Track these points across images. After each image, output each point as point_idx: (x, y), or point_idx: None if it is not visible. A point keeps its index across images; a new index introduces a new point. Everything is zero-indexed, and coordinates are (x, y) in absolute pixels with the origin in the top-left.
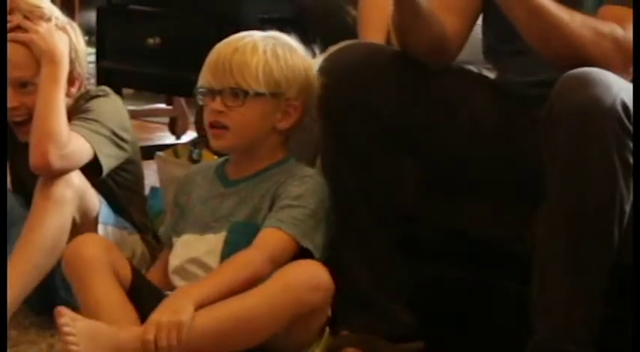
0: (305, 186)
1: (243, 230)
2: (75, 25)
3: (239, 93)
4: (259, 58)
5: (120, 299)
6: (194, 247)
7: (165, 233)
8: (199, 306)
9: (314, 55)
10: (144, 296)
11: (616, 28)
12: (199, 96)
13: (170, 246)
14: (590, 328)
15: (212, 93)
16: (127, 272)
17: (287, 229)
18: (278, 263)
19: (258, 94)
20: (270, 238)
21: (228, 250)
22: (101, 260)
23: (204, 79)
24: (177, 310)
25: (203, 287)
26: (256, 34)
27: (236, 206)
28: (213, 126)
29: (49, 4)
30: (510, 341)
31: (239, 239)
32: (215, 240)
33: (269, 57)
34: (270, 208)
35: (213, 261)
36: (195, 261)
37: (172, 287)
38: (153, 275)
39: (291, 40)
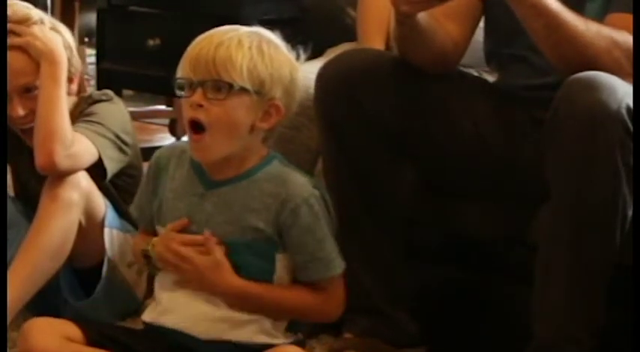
0: (312, 211)
1: (252, 251)
2: (62, 25)
3: (222, 87)
4: (244, 54)
5: None
6: None
7: (142, 217)
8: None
9: (298, 57)
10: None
11: (629, 37)
12: (178, 89)
13: (147, 228)
14: (591, 328)
15: (192, 85)
16: (76, 335)
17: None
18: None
19: (242, 89)
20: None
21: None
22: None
23: (184, 71)
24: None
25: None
26: (241, 29)
27: (215, 208)
28: (192, 126)
29: (35, 8)
30: (511, 342)
31: (250, 259)
32: None
33: (254, 54)
34: (279, 235)
35: None
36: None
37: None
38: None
39: (275, 38)
